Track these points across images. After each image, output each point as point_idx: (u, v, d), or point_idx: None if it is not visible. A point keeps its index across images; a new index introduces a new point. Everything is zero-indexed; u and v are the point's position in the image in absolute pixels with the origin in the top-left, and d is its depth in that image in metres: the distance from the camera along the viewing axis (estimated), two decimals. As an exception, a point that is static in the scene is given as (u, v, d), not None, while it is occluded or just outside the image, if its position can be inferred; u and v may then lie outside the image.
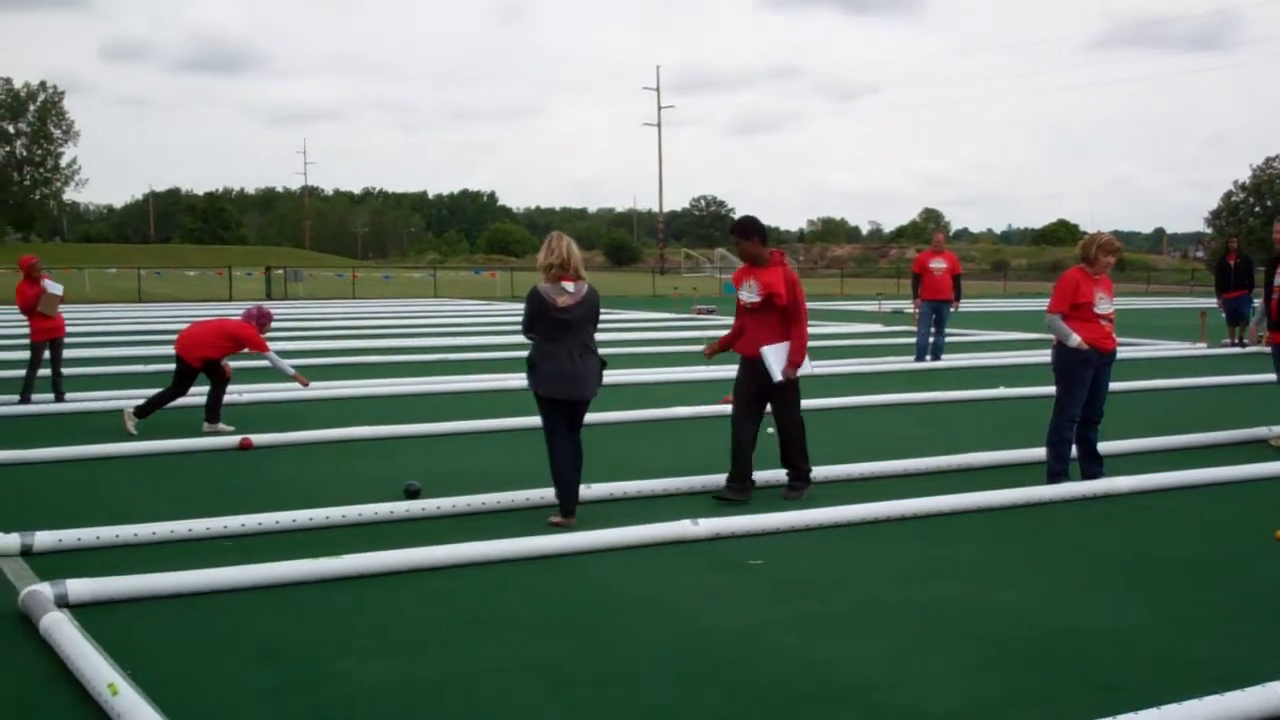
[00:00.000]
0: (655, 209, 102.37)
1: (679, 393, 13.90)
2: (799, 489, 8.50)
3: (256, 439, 10.52)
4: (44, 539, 6.91)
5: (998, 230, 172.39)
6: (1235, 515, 8.13)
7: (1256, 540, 7.45)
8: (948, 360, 18.32)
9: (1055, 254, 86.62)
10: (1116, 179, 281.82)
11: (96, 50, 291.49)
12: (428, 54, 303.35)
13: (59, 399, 13.18)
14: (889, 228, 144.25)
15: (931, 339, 18.23)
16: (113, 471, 9.53)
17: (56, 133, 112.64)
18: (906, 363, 18.33)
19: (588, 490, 8.00)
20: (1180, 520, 8.00)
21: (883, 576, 6.56)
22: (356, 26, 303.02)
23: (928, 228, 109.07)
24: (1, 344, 20.99)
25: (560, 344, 7.53)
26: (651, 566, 6.73)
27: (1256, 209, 78.17)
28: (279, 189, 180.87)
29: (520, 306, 8.02)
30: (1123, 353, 10.46)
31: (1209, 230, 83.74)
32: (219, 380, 11.50)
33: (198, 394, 11.67)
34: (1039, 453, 9.04)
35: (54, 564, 6.58)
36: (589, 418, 7.95)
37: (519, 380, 11.26)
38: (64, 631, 5.22)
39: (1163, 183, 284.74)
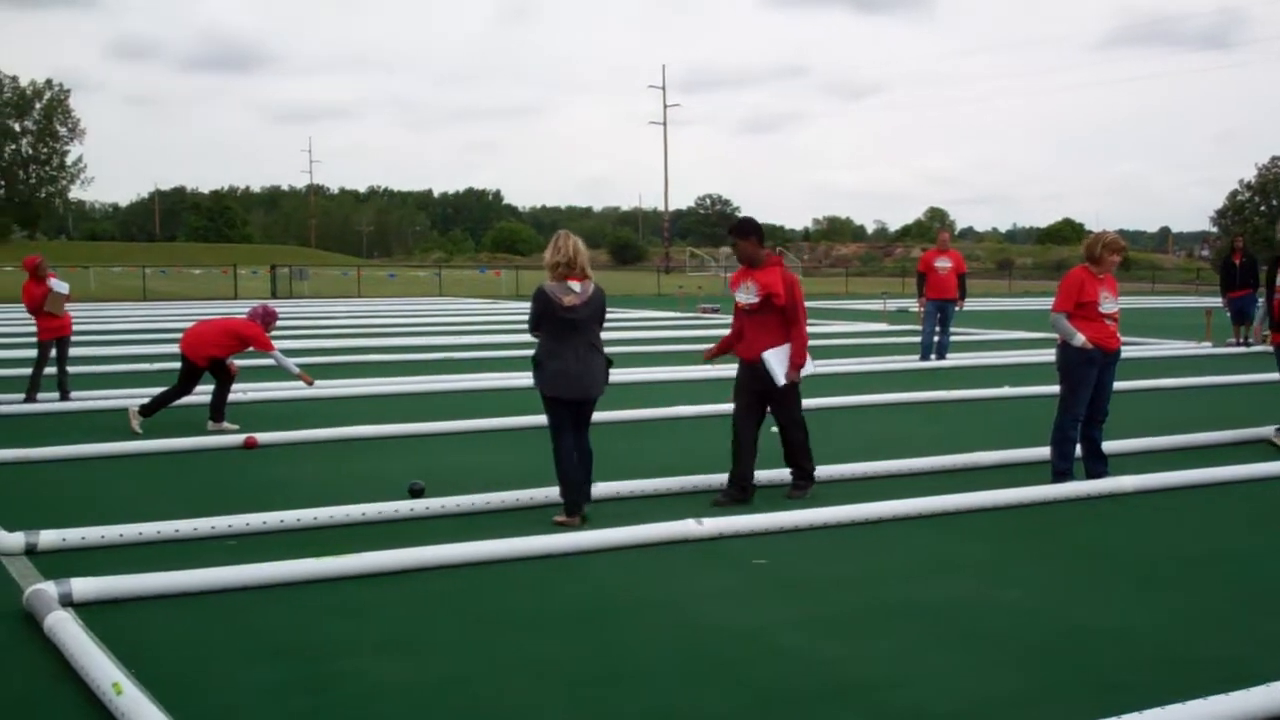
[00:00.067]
0: (660, 208, 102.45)
1: (683, 392, 13.91)
2: (803, 488, 8.49)
3: (261, 438, 10.53)
4: (49, 538, 6.92)
5: (1003, 229, 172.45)
6: (1240, 514, 8.12)
7: (1262, 539, 7.45)
8: (953, 359, 18.31)
9: (1060, 253, 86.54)
10: (1122, 178, 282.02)
11: (103, 48, 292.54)
12: (433, 52, 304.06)
13: (64, 398, 13.19)
14: (894, 227, 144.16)
15: (936, 338, 18.21)
16: (118, 470, 9.54)
17: (62, 131, 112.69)
18: (911, 362, 18.32)
19: (592, 489, 7.99)
20: (1185, 519, 7.99)
21: (887, 576, 6.55)
22: (362, 25, 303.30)
23: (933, 227, 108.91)
24: (7, 342, 21.03)
25: (566, 343, 7.53)
26: (656, 566, 6.73)
27: (1262, 208, 78.02)
28: (284, 187, 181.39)
29: (526, 305, 8.02)
30: (1127, 352, 10.45)
31: (1214, 229, 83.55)
32: (224, 379, 11.51)
33: (202, 393, 11.67)
34: (1043, 452, 9.03)
35: (58, 563, 6.59)
36: (594, 417, 7.95)
37: (524, 379, 11.23)
38: (68, 630, 5.23)
39: (1168, 182, 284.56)
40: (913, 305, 25.14)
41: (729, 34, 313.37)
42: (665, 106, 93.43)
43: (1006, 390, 14.51)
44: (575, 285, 7.55)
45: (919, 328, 19.19)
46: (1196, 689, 4.60)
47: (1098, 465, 8.85)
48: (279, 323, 12.26)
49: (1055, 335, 8.79)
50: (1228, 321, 22.22)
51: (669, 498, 8.37)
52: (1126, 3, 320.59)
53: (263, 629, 5.59)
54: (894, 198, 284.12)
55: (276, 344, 11.82)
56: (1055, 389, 8.92)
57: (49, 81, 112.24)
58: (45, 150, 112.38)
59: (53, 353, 13.24)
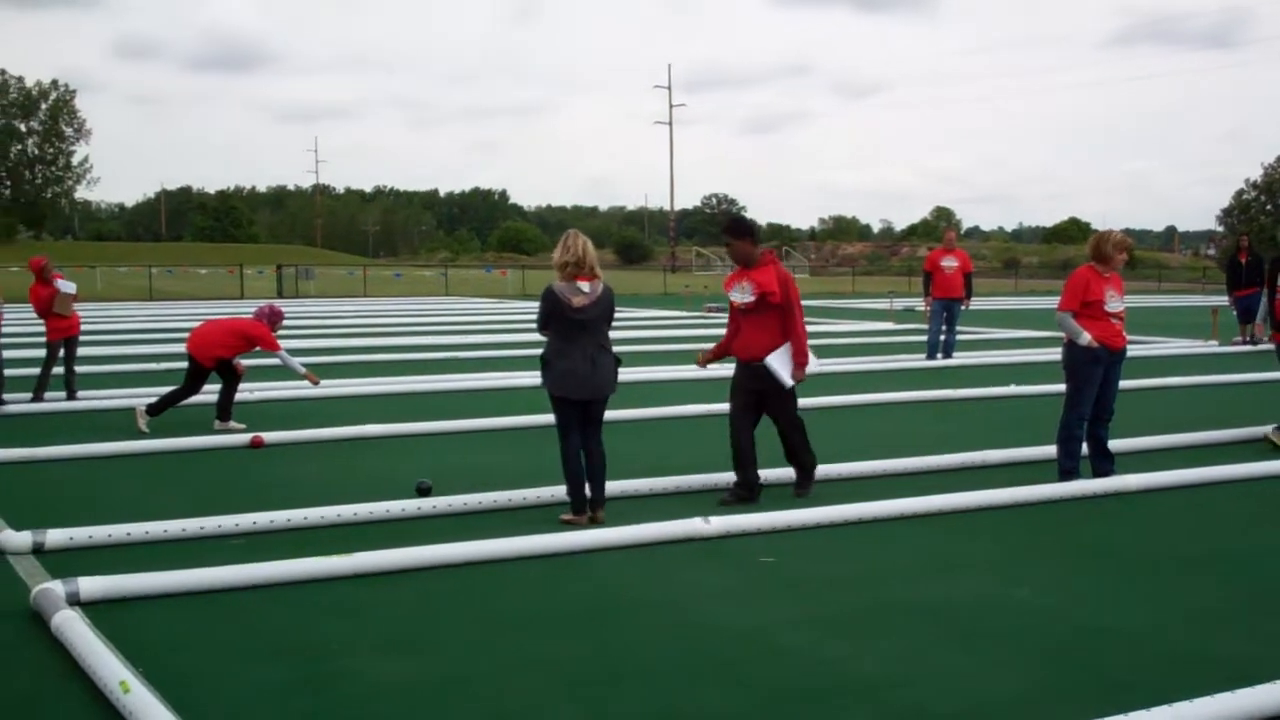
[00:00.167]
0: (666, 207, 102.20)
1: (689, 391, 13.90)
2: (806, 484, 8.48)
3: (267, 437, 10.54)
4: (55, 537, 6.94)
5: (1009, 228, 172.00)
6: (1247, 513, 8.11)
7: (1267, 538, 7.44)
8: (959, 358, 18.28)
9: (1066, 252, 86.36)
10: (1128, 177, 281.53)
11: (108, 49, 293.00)
12: (439, 52, 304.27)
13: (71, 397, 13.22)
14: (900, 226, 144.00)
15: (943, 337, 18.20)
16: (124, 470, 9.56)
17: (68, 131, 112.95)
18: (918, 361, 18.30)
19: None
20: (1191, 518, 7.98)
21: (893, 575, 6.55)
22: (368, 24, 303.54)
23: (939, 226, 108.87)
24: (13, 342, 21.05)
25: (575, 343, 7.52)
26: (662, 564, 6.73)
27: (1268, 207, 77.89)
28: (290, 187, 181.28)
29: (532, 305, 8.03)
30: (1134, 350, 10.45)
31: (1220, 228, 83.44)
32: (231, 378, 11.53)
33: (209, 392, 11.69)
34: (1050, 450, 9.02)
35: (65, 562, 6.61)
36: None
37: (529, 378, 11.24)
38: (75, 629, 5.24)
39: (1174, 181, 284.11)
40: (919, 304, 25.14)
41: (733, 33, 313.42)
42: (671, 106, 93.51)
43: (1012, 389, 14.50)
44: (584, 285, 7.55)
45: (925, 327, 19.18)
46: (1204, 687, 4.59)
47: (1104, 464, 8.84)
48: (285, 322, 12.27)
49: (1061, 334, 8.79)
50: (1234, 320, 22.21)
51: (675, 496, 8.37)
52: (1131, 2, 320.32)
53: (268, 628, 5.60)
54: (900, 197, 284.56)
55: (282, 344, 11.83)
56: (1061, 388, 8.91)
57: (55, 82, 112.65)
58: (51, 150, 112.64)
59: (61, 352, 13.27)
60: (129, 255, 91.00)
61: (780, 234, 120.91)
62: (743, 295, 8.28)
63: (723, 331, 8.72)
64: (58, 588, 5.80)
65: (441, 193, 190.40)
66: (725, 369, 8.93)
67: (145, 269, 51.85)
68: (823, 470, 8.71)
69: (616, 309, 7.80)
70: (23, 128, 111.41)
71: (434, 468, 9.15)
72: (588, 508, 7.65)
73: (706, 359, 8.85)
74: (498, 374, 16.24)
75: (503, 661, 5.17)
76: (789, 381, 8.17)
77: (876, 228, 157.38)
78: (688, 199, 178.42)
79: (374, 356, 19.28)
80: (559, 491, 7.92)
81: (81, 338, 14.06)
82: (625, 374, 7.92)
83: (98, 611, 5.66)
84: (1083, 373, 8.59)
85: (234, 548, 6.95)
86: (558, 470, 7.75)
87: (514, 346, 20.97)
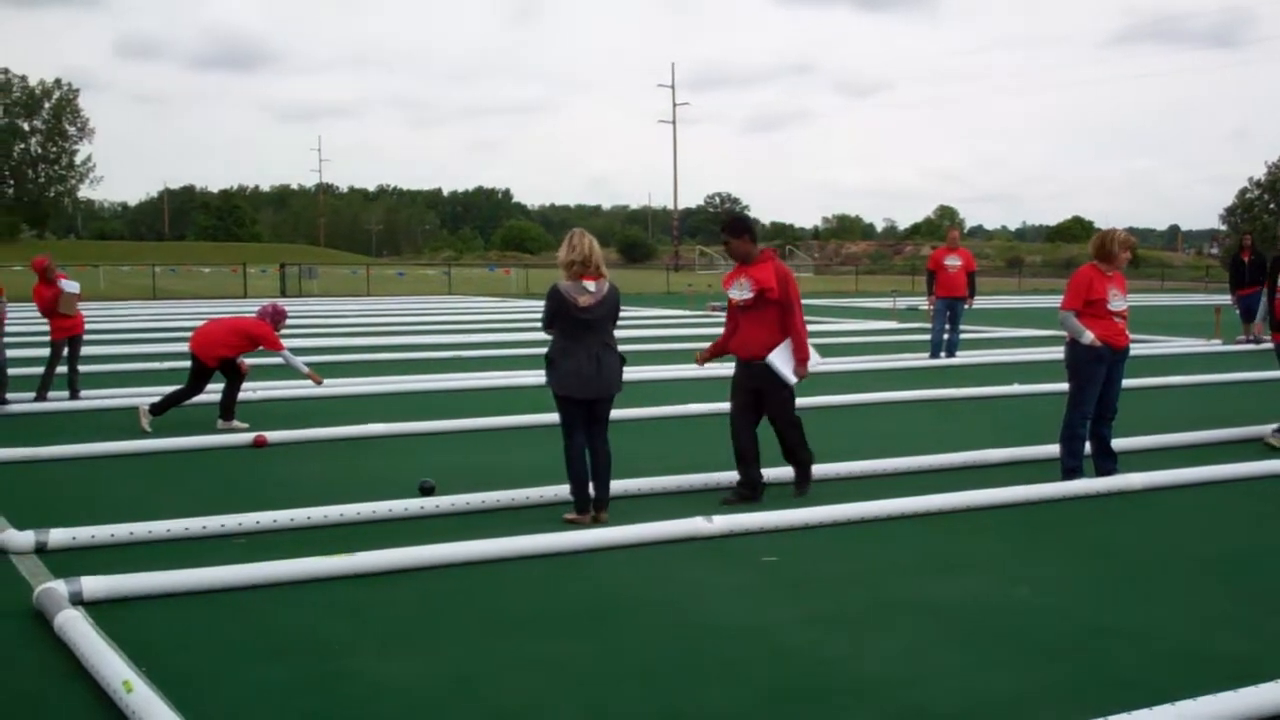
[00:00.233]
0: (670, 206, 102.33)
1: (692, 389, 13.90)
2: (804, 483, 8.48)
3: (270, 436, 10.55)
4: (58, 536, 6.94)
5: (1012, 227, 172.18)
6: (1250, 512, 8.10)
7: (1270, 537, 7.43)
8: (962, 357, 18.27)
9: (1070, 251, 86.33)
10: (1131, 176, 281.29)
11: (111, 48, 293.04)
12: (442, 51, 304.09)
13: (74, 396, 13.23)
14: (904, 225, 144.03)
15: (946, 336, 18.20)
16: (127, 469, 9.57)
17: (71, 130, 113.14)
18: (921, 359, 18.29)
19: (600, 487, 7.99)
20: (1194, 517, 7.97)
21: (896, 573, 6.54)
22: (370, 23, 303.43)
23: (942, 225, 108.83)
24: (16, 341, 21.06)
25: (580, 342, 7.52)
26: (663, 564, 6.73)
27: (1271, 206, 77.73)
28: (293, 186, 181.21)
29: (535, 303, 8.03)
30: (1137, 349, 10.44)
31: (1224, 227, 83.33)
32: (235, 378, 11.53)
33: (212, 391, 11.69)
34: (1053, 449, 9.01)
35: (68, 561, 6.61)
36: (602, 415, 7.93)
37: (533, 377, 11.28)
38: (78, 629, 5.24)
39: (1177, 179, 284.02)
40: (922, 303, 25.13)
41: (736, 32, 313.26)
42: (674, 105, 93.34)
43: (1016, 388, 14.49)
44: (590, 284, 7.54)
45: (928, 326, 19.17)
46: (1208, 686, 4.59)
47: (1107, 463, 8.83)
48: (288, 322, 12.28)
49: (1064, 333, 8.78)
50: (1237, 319, 22.18)
51: (678, 495, 8.36)
52: (1133, 1, 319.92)
53: (271, 627, 5.61)
54: (903, 196, 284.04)
55: (286, 343, 11.84)
56: (1064, 386, 8.90)
57: (58, 81, 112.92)
58: (54, 149, 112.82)
59: (65, 351, 13.28)
60: (132, 254, 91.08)
61: (784, 233, 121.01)
62: (741, 292, 8.27)
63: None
64: (60, 587, 5.80)
65: (445, 192, 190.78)
66: (727, 368, 8.92)
67: (148, 268, 51.87)
68: (825, 469, 8.71)
69: (620, 308, 7.79)
70: (26, 127, 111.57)
71: (437, 467, 9.14)
72: (591, 507, 7.65)
73: (704, 357, 8.84)
74: (501, 373, 16.23)
75: (504, 661, 5.17)
76: (791, 379, 8.16)
77: (880, 226, 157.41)
78: (691, 198, 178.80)
79: (377, 356, 19.28)
80: (562, 491, 7.92)
81: (85, 337, 14.07)
82: (627, 373, 7.91)
83: (100, 611, 5.67)
84: (1085, 372, 8.58)
85: (237, 547, 6.96)
86: (561, 469, 7.75)
87: (517, 345, 20.97)
